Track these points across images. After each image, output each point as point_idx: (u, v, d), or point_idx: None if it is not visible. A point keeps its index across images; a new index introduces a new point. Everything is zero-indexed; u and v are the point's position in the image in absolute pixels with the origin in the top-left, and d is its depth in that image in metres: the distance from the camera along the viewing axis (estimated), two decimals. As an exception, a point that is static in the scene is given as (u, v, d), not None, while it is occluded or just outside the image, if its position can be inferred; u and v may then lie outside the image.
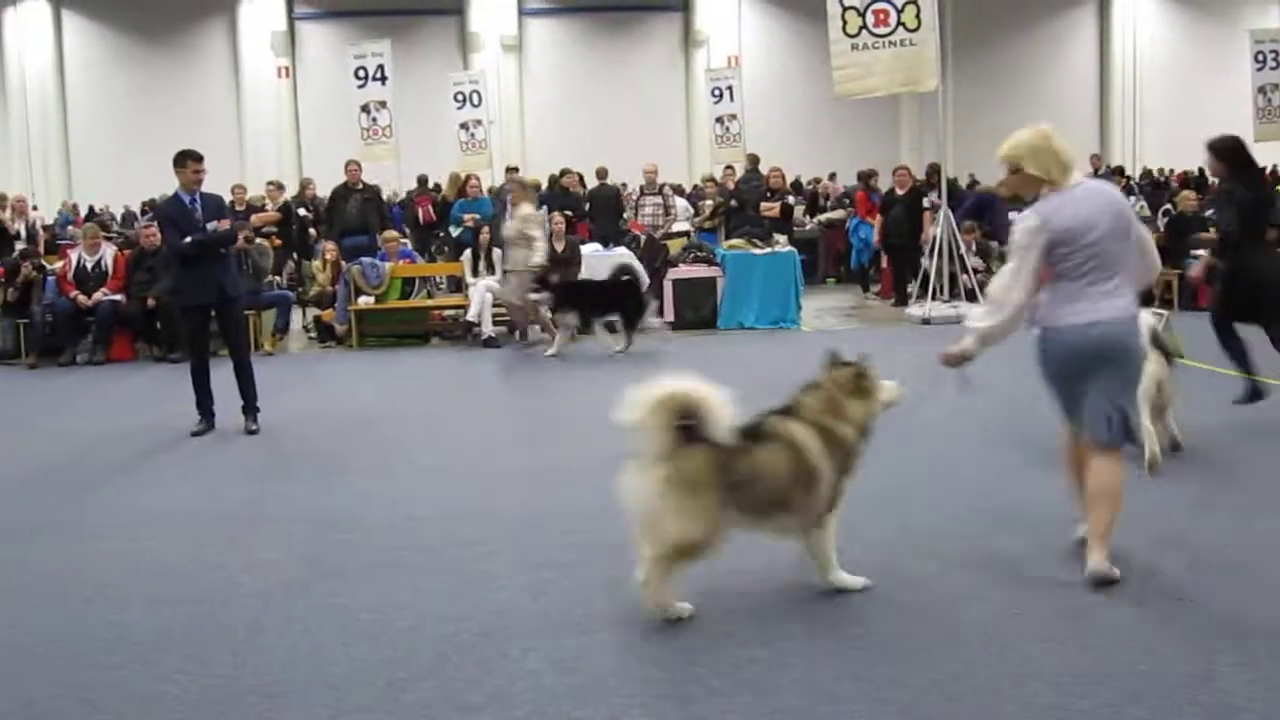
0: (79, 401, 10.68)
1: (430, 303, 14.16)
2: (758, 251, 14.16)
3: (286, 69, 32.90)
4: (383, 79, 18.02)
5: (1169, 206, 17.82)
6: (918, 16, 13.66)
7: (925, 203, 15.46)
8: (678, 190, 22.65)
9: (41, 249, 14.94)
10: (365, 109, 18.09)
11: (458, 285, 14.40)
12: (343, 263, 13.92)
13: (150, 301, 12.69)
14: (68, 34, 32.66)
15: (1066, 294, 4.71)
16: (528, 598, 4.83)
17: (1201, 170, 27.22)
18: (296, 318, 14.48)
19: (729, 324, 13.88)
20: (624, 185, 18.63)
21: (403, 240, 15.04)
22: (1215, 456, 6.92)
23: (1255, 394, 7.69)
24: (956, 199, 17.69)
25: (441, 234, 16.72)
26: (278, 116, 32.75)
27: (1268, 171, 24.07)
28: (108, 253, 13.31)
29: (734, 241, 14.80)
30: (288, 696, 3.96)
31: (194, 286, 8.64)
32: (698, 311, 14.04)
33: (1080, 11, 35.52)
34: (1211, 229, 8.58)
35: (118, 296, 12.87)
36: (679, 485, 4.31)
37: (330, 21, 33.08)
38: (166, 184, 9.35)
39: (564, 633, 4.42)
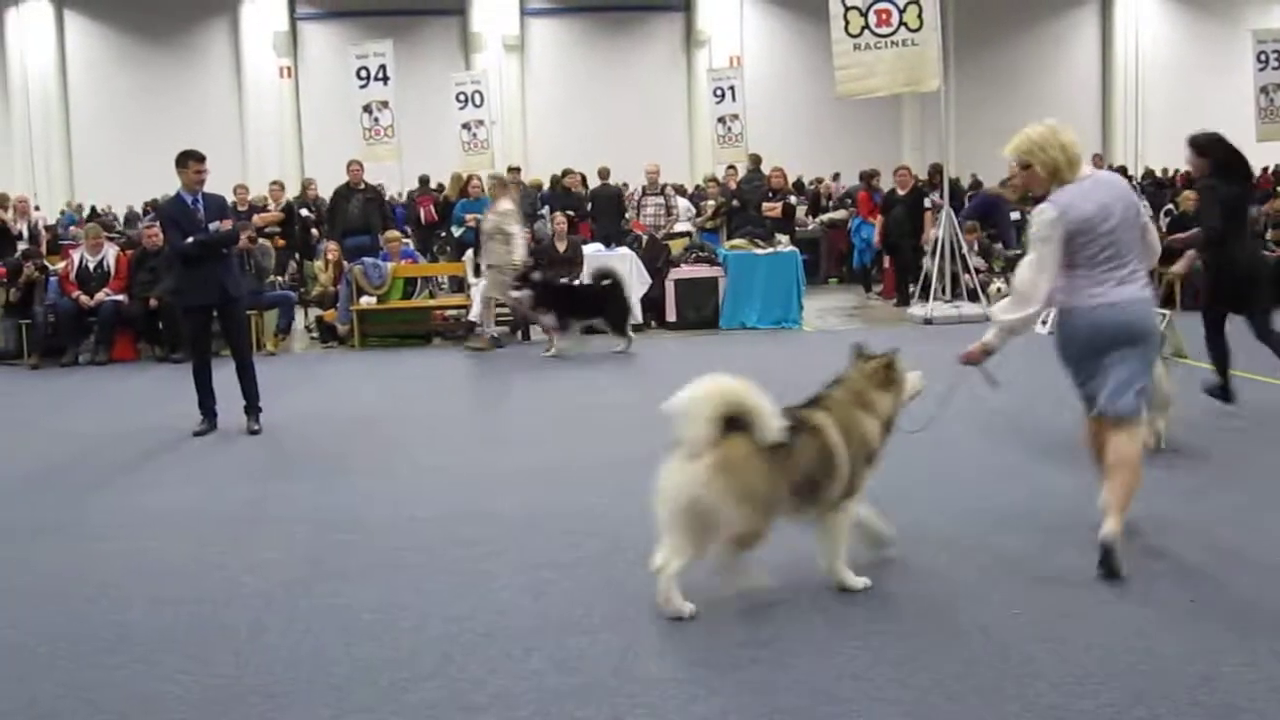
0: (81, 402, 10.69)
1: (432, 303, 14.17)
2: (760, 251, 14.16)
3: (288, 69, 32.91)
4: (385, 79, 18.01)
5: (1171, 206, 17.80)
6: (920, 16, 13.67)
7: (926, 203, 15.45)
8: (680, 190, 22.67)
9: (44, 249, 14.97)
10: (367, 109, 18.09)
11: (460, 285, 14.43)
12: (345, 263, 13.93)
13: (152, 302, 12.70)
14: (70, 34, 32.67)
15: (1086, 280, 4.87)
16: (529, 598, 4.83)
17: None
18: (299, 318, 14.48)
19: (731, 324, 13.89)
20: (624, 185, 18.61)
21: (405, 240, 15.04)
22: (1218, 456, 6.91)
23: (1226, 395, 7.89)
24: (958, 199, 17.71)
25: (443, 234, 16.74)
26: (280, 116, 32.75)
27: (1270, 171, 24.17)
28: (110, 253, 13.32)
29: (736, 241, 14.81)
30: (290, 696, 3.96)
31: (196, 287, 8.64)
32: (700, 312, 14.05)
33: (1082, 11, 35.49)
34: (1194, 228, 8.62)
35: (120, 297, 12.88)
36: (728, 470, 4.36)
37: (332, 21, 33.08)
38: (169, 184, 9.34)
39: (566, 633, 4.42)
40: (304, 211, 17.25)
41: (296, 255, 16.35)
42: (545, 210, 17.20)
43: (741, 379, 4.44)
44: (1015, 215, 17.95)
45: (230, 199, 11.81)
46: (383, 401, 10.11)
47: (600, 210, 16.92)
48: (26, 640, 4.56)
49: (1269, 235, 14.62)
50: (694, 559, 4.46)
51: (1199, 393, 7.91)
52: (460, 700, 3.88)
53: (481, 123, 20.86)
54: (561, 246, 13.66)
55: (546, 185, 20.45)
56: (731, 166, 20.38)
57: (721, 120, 22.15)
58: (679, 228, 16.36)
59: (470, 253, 14.20)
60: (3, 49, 32.11)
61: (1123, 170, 25.45)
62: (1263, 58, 19.75)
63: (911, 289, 15.19)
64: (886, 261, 16.77)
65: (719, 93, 22.32)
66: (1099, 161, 25.90)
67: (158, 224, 11.99)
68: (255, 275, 13.04)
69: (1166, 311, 7.55)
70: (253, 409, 8.76)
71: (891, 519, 5.23)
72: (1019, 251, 15.08)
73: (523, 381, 10.96)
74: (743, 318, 13.93)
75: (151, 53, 32.71)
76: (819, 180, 24.73)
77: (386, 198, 18.13)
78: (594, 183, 18.08)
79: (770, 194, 16.34)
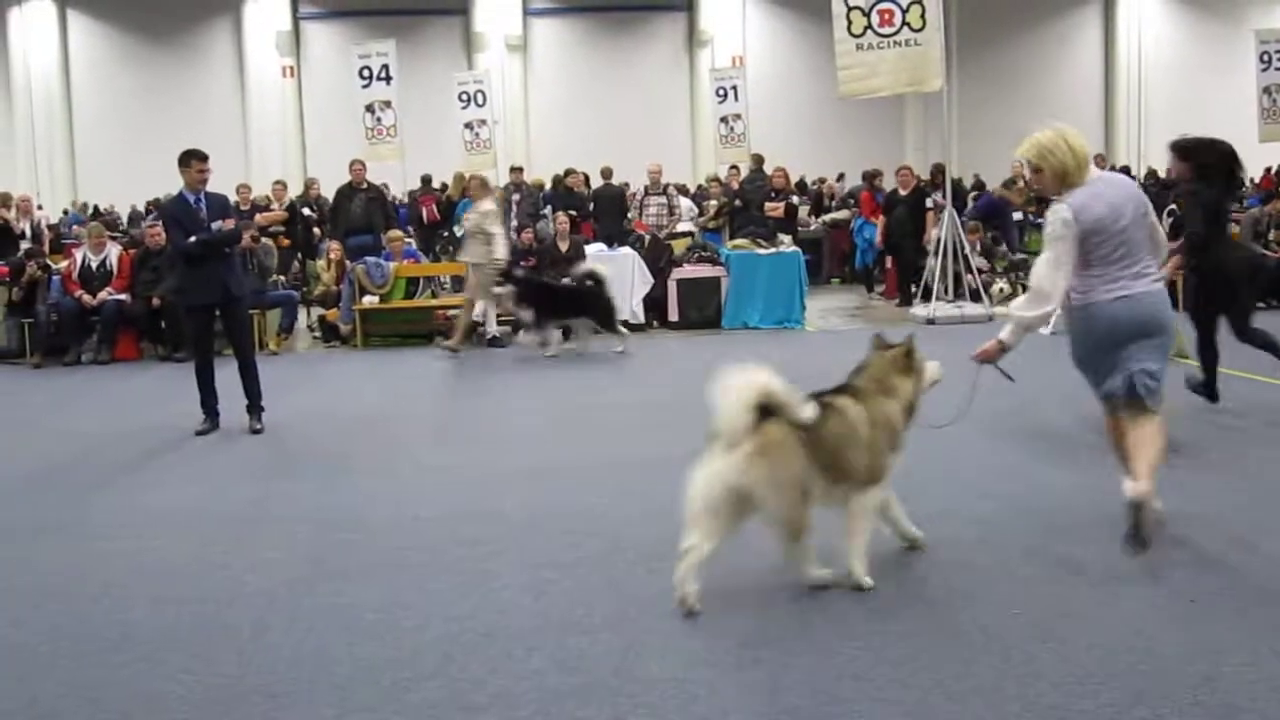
0: (84, 401, 10.70)
1: (435, 302, 14.18)
2: (762, 251, 14.16)
3: (291, 69, 32.90)
4: (387, 79, 18.02)
5: (1174, 206, 17.75)
6: (922, 16, 13.66)
7: (928, 203, 15.45)
8: (682, 190, 22.65)
9: (46, 248, 14.99)
10: (370, 109, 18.09)
11: (462, 285, 14.42)
12: (347, 262, 13.94)
13: (155, 301, 12.72)
14: (73, 33, 32.67)
15: (1101, 276, 5.05)
16: (530, 597, 4.84)
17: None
18: (301, 317, 14.49)
19: (733, 324, 13.89)
20: (626, 185, 18.61)
21: (407, 240, 15.05)
22: (1218, 456, 6.91)
23: (1211, 393, 7.99)
24: (961, 199, 17.69)
25: (446, 233, 16.75)
26: (282, 116, 32.75)
27: (1273, 172, 24.15)
28: (113, 252, 13.34)
29: (738, 241, 14.81)
30: (292, 696, 3.97)
31: (199, 286, 8.65)
32: (702, 311, 14.05)
33: (1085, 11, 35.46)
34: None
35: (123, 296, 12.90)
36: (767, 456, 4.48)
37: (335, 21, 33.08)
38: (171, 183, 9.36)
39: (567, 632, 4.42)
40: (306, 211, 17.28)
41: (299, 255, 16.37)
42: (548, 210, 17.21)
43: (767, 368, 4.57)
44: (1018, 216, 17.97)
45: (233, 198, 11.85)
46: (385, 401, 10.12)
47: (603, 210, 16.93)
48: (28, 639, 4.57)
49: (1271, 235, 14.59)
50: (721, 544, 4.55)
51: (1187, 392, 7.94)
52: (461, 700, 3.89)
53: (484, 122, 20.85)
54: (564, 246, 13.67)
55: (549, 185, 20.45)
56: (734, 166, 20.38)
57: (724, 120, 22.13)
58: (681, 227, 16.38)
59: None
60: (6, 48, 32.12)
61: (1125, 170, 25.43)
62: (1266, 58, 19.72)
63: (915, 289, 15.19)
64: (889, 262, 16.77)
65: (721, 92, 22.30)
66: (1101, 162, 25.84)
67: (160, 223, 12.00)
68: (258, 274, 13.06)
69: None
70: (255, 408, 8.78)
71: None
72: (1023, 256, 15.10)
73: (523, 381, 10.96)
74: (745, 318, 13.94)
75: (154, 52, 32.73)
76: (821, 180, 24.73)
77: (390, 198, 18.14)
78: (596, 182, 18.09)
79: (772, 194, 16.34)
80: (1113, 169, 25.60)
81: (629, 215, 16.76)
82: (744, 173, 19.06)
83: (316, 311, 14.51)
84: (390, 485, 6.92)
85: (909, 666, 4.01)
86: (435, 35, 33.07)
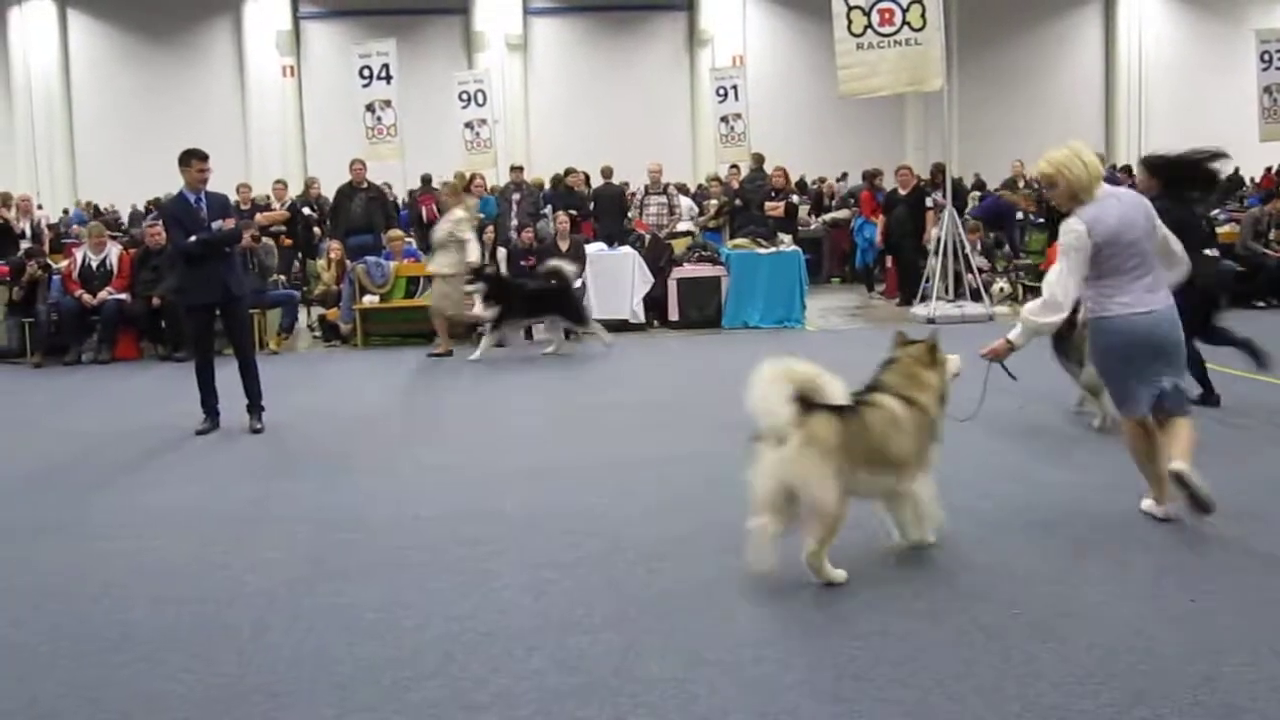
0: (84, 400, 10.70)
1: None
2: (762, 251, 14.17)
3: (291, 68, 32.90)
4: (388, 78, 18.00)
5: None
6: (923, 16, 13.66)
7: (928, 202, 15.45)
8: (682, 189, 22.64)
9: (47, 248, 14.99)
10: (370, 108, 18.07)
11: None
12: (347, 262, 13.94)
13: (155, 300, 12.73)
14: (73, 33, 32.67)
15: (1114, 288, 5.30)
16: (530, 597, 4.84)
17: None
18: (301, 317, 14.49)
19: (733, 323, 13.90)
20: (626, 184, 18.60)
21: (407, 239, 15.05)
22: (1218, 455, 6.89)
23: (1211, 399, 8.10)
24: (961, 199, 17.69)
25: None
26: (282, 115, 32.75)
27: (1273, 171, 24.16)
28: (113, 252, 13.34)
29: (739, 241, 14.81)
30: (293, 695, 3.97)
31: (199, 285, 8.65)
32: (702, 311, 14.05)
33: (1085, 11, 35.44)
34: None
35: (123, 295, 12.91)
36: (813, 448, 4.64)
37: (335, 21, 33.08)
38: (172, 183, 9.35)
39: (567, 632, 4.42)
40: (306, 210, 17.27)
41: (299, 254, 16.37)
42: (548, 209, 17.20)
43: (797, 357, 4.77)
44: (1020, 215, 17.96)
45: (233, 198, 11.84)
46: (385, 400, 10.12)
47: (603, 209, 16.92)
48: (28, 639, 4.57)
49: (1271, 235, 14.60)
50: (788, 527, 4.75)
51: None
52: (462, 699, 3.89)
53: (484, 122, 20.84)
54: (564, 246, 13.67)
55: (549, 184, 20.45)
56: (734, 166, 20.37)
57: (724, 119, 22.12)
58: (682, 227, 16.37)
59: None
60: (6, 48, 32.12)
61: (1126, 170, 25.39)
62: (1266, 57, 19.69)
63: (928, 289, 15.16)
64: (889, 261, 16.76)
65: (722, 92, 22.29)
66: (1100, 162, 25.82)
67: (160, 223, 12.00)
68: (259, 274, 13.06)
69: None
70: (255, 408, 8.78)
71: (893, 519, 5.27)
72: (1027, 261, 15.08)
73: (523, 381, 10.96)
74: (745, 317, 13.94)
75: (154, 52, 32.73)
76: (822, 180, 24.73)
77: (391, 198, 18.14)
78: (597, 182, 18.08)
79: (773, 193, 16.34)
80: (1113, 169, 25.69)
81: (629, 214, 16.75)
82: (744, 172, 19.05)
83: (317, 311, 14.51)
84: (390, 485, 6.92)
85: (909, 666, 4.01)
86: (435, 34, 33.06)
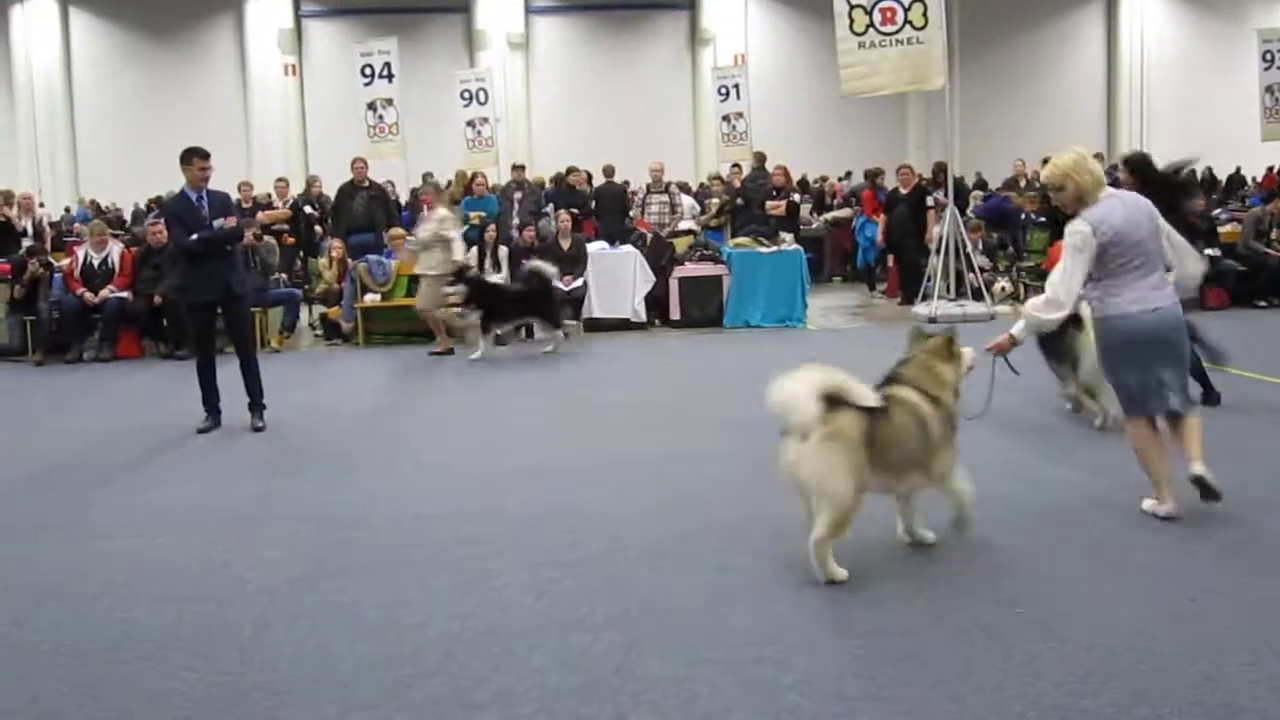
0: (85, 399, 10.70)
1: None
2: (764, 250, 14.17)
3: (293, 66, 32.89)
4: (389, 76, 17.99)
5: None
6: (925, 15, 13.64)
7: (929, 201, 15.44)
8: (684, 188, 22.64)
9: (48, 246, 14.98)
10: (372, 106, 18.06)
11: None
12: (349, 260, 13.94)
13: (157, 299, 12.73)
14: (75, 31, 32.67)
15: (1122, 286, 5.45)
16: (532, 596, 4.84)
17: (1210, 169, 27.21)
18: (303, 315, 14.50)
19: (735, 322, 13.90)
20: (627, 183, 18.59)
21: (409, 238, 15.02)
22: (1218, 455, 6.89)
23: (1211, 397, 8.04)
24: (963, 198, 17.68)
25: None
26: (284, 114, 32.74)
27: (1275, 171, 24.14)
28: (114, 250, 13.35)
29: (740, 240, 14.81)
30: (294, 694, 3.97)
31: (200, 284, 8.65)
32: (704, 310, 14.05)
33: (1087, 10, 35.41)
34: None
35: (124, 294, 12.91)
36: (834, 440, 4.74)
37: (337, 19, 33.07)
38: (173, 181, 9.35)
39: (568, 631, 4.42)
40: (308, 209, 17.28)
41: (300, 252, 16.36)
42: (550, 208, 17.19)
43: (830, 369, 4.85)
44: (1022, 215, 17.96)
45: (235, 196, 11.84)
46: (387, 399, 10.13)
47: (604, 208, 16.91)
48: (30, 638, 4.57)
49: (1273, 234, 14.59)
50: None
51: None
52: (463, 698, 3.89)
53: (486, 120, 20.83)
54: (566, 244, 13.67)
55: (551, 183, 20.43)
56: (736, 165, 20.35)
57: (726, 118, 22.10)
58: (683, 226, 16.36)
59: (474, 251, 14.20)
60: (8, 46, 32.11)
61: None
62: (1268, 57, 19.66)
63: (922, 287, 15.16)
64: (890, 260, 16.76)
65: (723, 91, 22.26)
66: (1099, 161, 25.82)
67: (162, 221, 12.00)
68: (261, 272, 13.06)
69: None
70: (257, 406, 8.78)
71: (894, 516, 5.27)
72: (1029, 263, 15.07)
73: (524, 381, 10.95)
74: (747, 316, 13.94)
75: (156, 50, 32.72)
76: (823, 179, 24.71)
77: (393, 197, 18.13)
78: (598, 180, 18.08)
79: (774, 192, 16.33)
80: (1113, 168, 25.67)
81: (631, 213, 16.75)
82: (746, 171, 19.04)
83: (318, 309, 14.51)
84: (392, 483, 6.92)
85: (910, 665, 4.01)
86: (437, 33, 33.06)
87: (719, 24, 33.55)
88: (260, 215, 15.42)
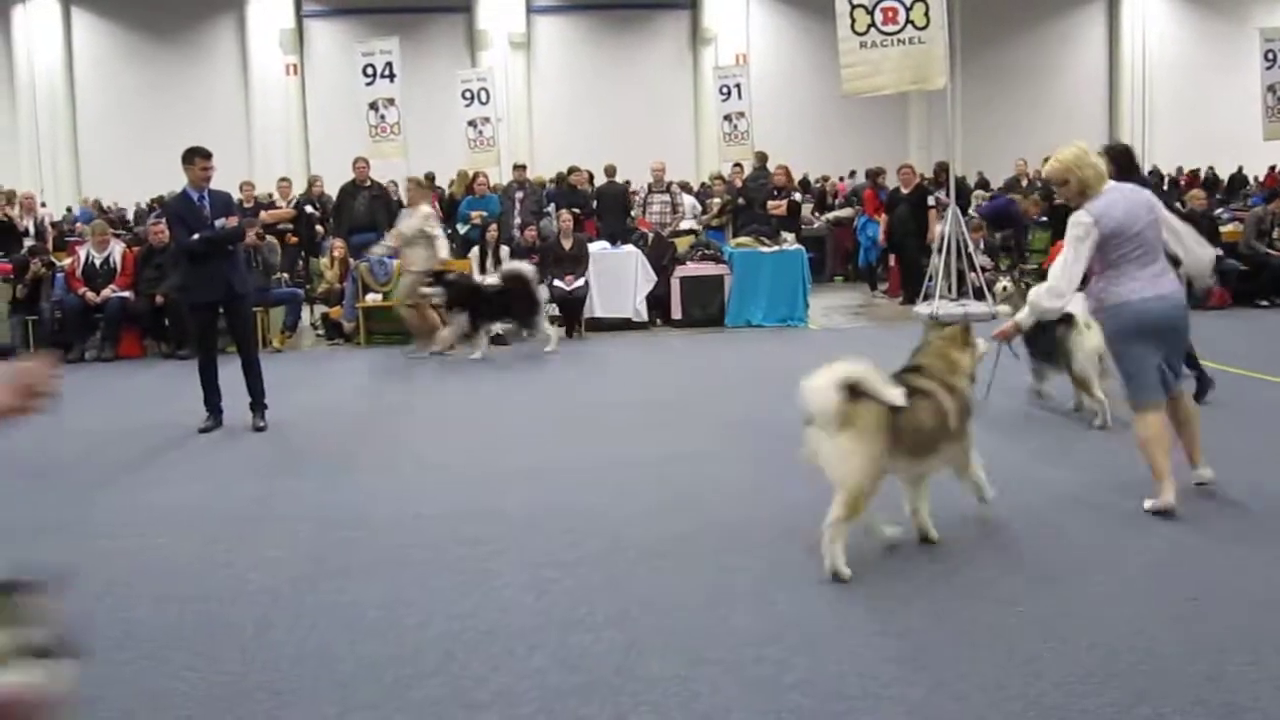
0: (87, 398, 10.69)
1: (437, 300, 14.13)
2: (765, 249, 14.16)
3: (295, 66, 32.91)
4: (391, 76, 17.99)
5: (1178, 205, 17.75)
6: (926, 14, 13.62)
7: (930, 200, 15.42)
8: (685, 188, 22.64)
9: (50, 246, 15.00)
10: (373, 106, 18.06)
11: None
12: (350, 260, 13.94)
13: (158, 298, 12.73)
14: (77, 31, 32.70)
15: (1125, 275, 5.60)
16: (532, 595, 4.84)
17: (1212, 169, 27.19)
18: (305, 315, 14.50)
19: (736, 322, 13.89)
20: (629, 183, 18.59)
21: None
22: (1219, 454, 6.89)
23: (1204, 386, 8.11)
24: (964, 197, 17.67)
25: (449, 231, 16.73)
26: (286, 114, 32.77)
27: (1276, 170, 24.13)
28: (116, 250, 13.35)
29: (742, 239, 14.80)
30: (295, 693, 3.98)
31: (202, 283, 8.66)
32: (705, 309, 14.05)
33: (1089, 10, 35.41)
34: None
35: (126, 293, 12.91)
36: (853, 428, 4.81)
37: (338, 19, 33.10)
38: (175, 181, 9.35)
39: (568, 631, 4.43)
40: (309, 209, 17.28)
41: (302, 252, 16.37)
42: (551, 208, 17.19)
43: (858, 362, 4.89)
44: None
45: (236, 196, 11.84)
46: (388, 399, 10.13)
47: (606, 208, 16.91)
48: (32, 636, 4.56)
49: (1275, 234, 14.59)
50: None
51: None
52: (463, 698, 3.90)
53: (487, 120, 20.81)
54: (567, 244, 13.67)
55: (552, 183, 20.44)
56: (737, 164, 20.35)
57: (727, 118, 22.08)
58: (685, 225, 16.37)
59: (476, 250, 14.21)
60: (10, 46, 32.15)
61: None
62: (1270, 56, 19.63)
63: (924, 287, 15.14)
64: (892, 260, 16.75)
65: (725, 90, 22.25)
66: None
67: (164, 220, 12.00)
68: (262, 272, 13.06)
69: None
70: (258, 406, 8.78)
71: (894, 516, 5.27)
72: (1032, 266, 15.06)
73: (524, 381, 10.96)
74: (748, 315, 13.93)
75: (158, 50, 32.75)
76: (825, 178, 24.71)
77: (394, 196, 18.13)
78: (600, 180, 18.08)
79: (775, 192, 16.33)
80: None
81: (632, 213, 16.75)
82: (747, 171, 19.03)
83: (320, 309, 14.50)
84: (392, 483, 6.93)
85: (911, 664, 4.01)
86: (439, 33, 33.07)
87: (720, 23, 33.56)
88: (264, 214, 15.43)
